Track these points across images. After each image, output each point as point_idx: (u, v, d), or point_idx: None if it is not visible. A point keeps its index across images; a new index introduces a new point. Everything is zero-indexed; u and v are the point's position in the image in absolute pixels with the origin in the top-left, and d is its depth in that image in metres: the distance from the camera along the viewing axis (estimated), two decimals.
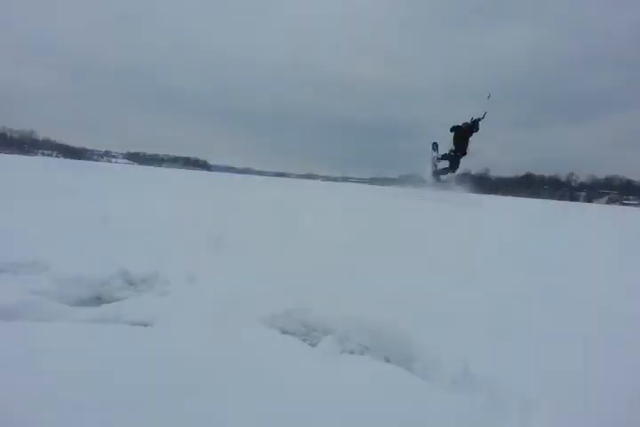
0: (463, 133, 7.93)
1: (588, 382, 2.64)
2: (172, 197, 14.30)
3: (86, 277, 3.94)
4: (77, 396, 1.91)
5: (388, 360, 2.86)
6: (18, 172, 22.32)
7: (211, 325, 3.07)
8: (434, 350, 2.85)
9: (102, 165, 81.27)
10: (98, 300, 3.73)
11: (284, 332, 3.14)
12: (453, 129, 7.93)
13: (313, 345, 2.99)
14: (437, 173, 8.46)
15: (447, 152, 8.21)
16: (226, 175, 78.60)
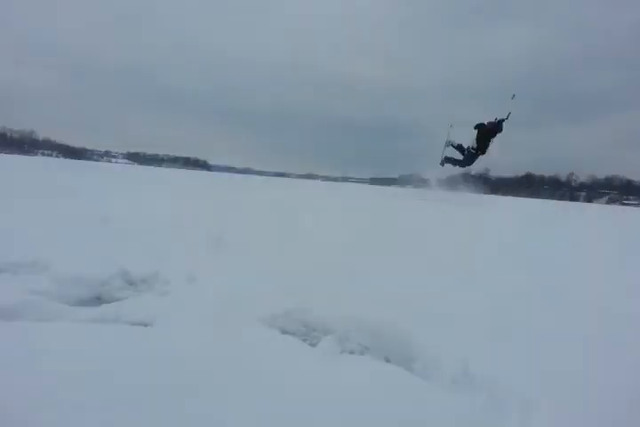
0: (487, 133, 7.84)
1: (588, 382, 2.65)
2: (171, 198, 14.30)
3: (86, 277, 3.94)
4: (77, 396, 1.91)
5: (388, 360, 2.86)
6: (18, 172, 22.33)
7: (211, 325, 3.07)
8: (434, 350, 2.85)
9: (102, 165, 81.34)
10: (98, 300, 3.73)
11: (283, 332, 3.14)
12: (478, 127, 7.86)
13: (313, 345, 3.00)
14: (448, 160, 8.32)
15: (467, 147, 8.11)
16: (226, 175, 78.65)
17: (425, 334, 3.08)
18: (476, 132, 8.11)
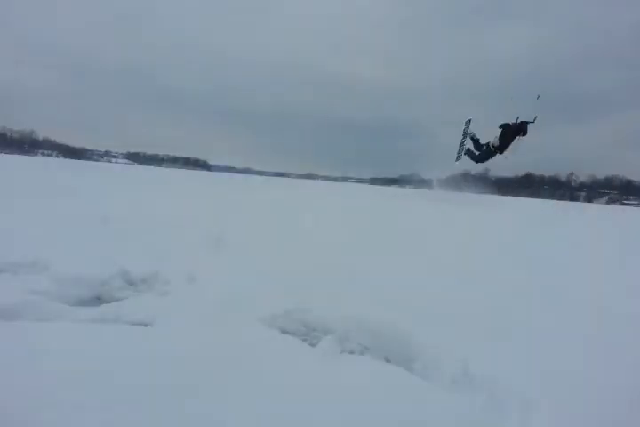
0: (510, 133, 7.72)
1: (588, 382, 2.65)
2: (171, 198, 14.31)
3: (86, 277, 3.94)
4: (77, 396, 1.91)
5: (388, 360, 2.86)
6: (18, 172, 22.33)
7: (211, 325, 3.07)
8: (434, 350, 2.85)
9: (102, 165, 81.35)
10: (98, 300, 3.73)
11: (284, 332, 3.14)
12: (502, 126, 7.78)
13: (313, 345, 3.00)
14: (468, 153, 8.15)
15: (487, 142, 8.01)
16: (226, 175, 78.68)
17: (425, 334, 3.08)
18: (500, 130, 8.15)
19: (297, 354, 2.70)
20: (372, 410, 2.07)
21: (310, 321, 3.36)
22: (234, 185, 32.39)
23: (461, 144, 8.31)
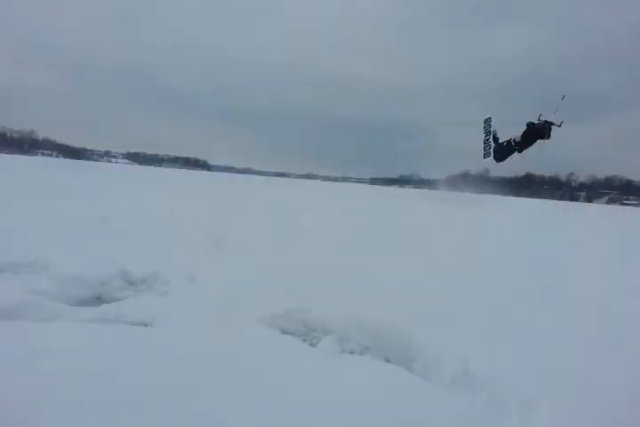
0: (532, 133, 7.48)
1: (588, 382, 2.64)
2: (171, 198, 14.30)
3: (86, 277, 3.94)
4: (77, 396, 1.91)
5: (388, 360, 2.86)
6: (18, 172, 22.33)
7: (211, 325, 3.07)
8: (434, 350, 2.85)
9: (102, 165, 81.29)
10: (98, 300, 3.73)
11: (284, 332, 3.14)
12: (528, 124, 7.63)
13: (313, 345, 3.00)
14: (491, 148, 7.96)
15: (507, 140, 7.80)
16: (226, 175, 78.66)
17: (425, 334, 3.08)
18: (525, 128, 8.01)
19: (297, 354, 2.70)
20: (372, 410, 2.07)
21: (310, 321, 3.36)
22: (234, 185, 32.39)
23: (486, 141, 8.15)
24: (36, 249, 4.61)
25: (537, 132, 7.68)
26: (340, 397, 2.16)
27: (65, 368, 2.15)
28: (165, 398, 1.97)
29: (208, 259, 5.15)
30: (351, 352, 2.96)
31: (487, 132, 7.92)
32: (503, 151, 8.19)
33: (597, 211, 39.79)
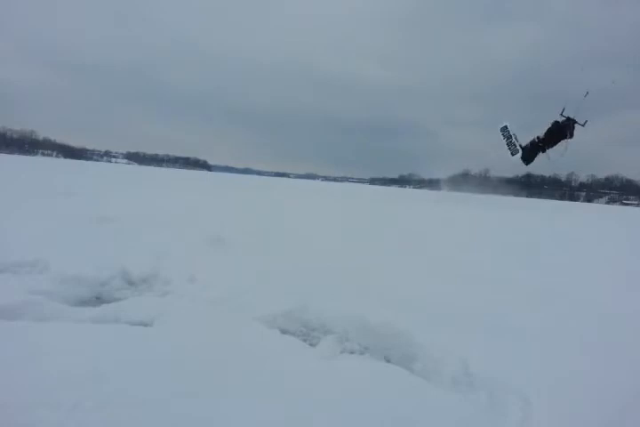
0: (556, 130, 7.01)
1: (588, 382, 2.64)
2: (171, 198, 14.30)
3: (86, 277, 3.94)
4: (77, 396, 1.91)
5: (388, 360, 2.86)
6: (18, 172, 22.33)
7: (211, 325, 3.07)
8: (434, 350, 2.85)
9: (102, 165, 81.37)
10: (98, 300, 3.73)
11: (284, 332, 3.14)
12: (553, 122, 7.24)
13: (313, 345, 3.00)
14: (516, 145, 7.61)
15: (532, 139, 7.38)
16: (226, 175, 78.69)
17: (425, 334, 3.08)
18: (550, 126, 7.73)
19: (297, 354, 2.70)
20: (373, 410, 2.07)
21: (310, 321, 3.36)
22: (234, 185, 32.39)
23: (510, 143, 7.88)
24: (35, 249, 4.62)
25: (560, 129, 7.38)
26: (340, 397, 2.16)
27: (65, 368, 2.15)
28: (165, 398, 1.97)
29: (208, 259, 5.16)
30: (351, 352, 2.96)
31: (508, 137, 7.66)
32: (529, 153, 7.86)
33: (597, 211, 39.78)
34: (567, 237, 12.06)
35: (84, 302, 3.58)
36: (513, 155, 8.01)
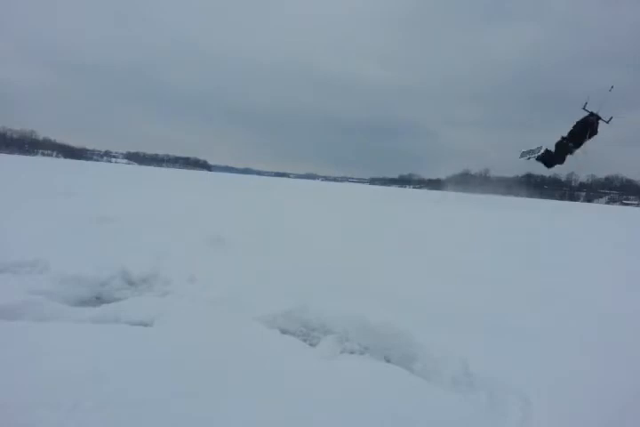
0: (580, 125, 6.40)
1: (588, 382, 2.64)
2: (171, 198, 14.30)
3: (86, 277, 3.94)
4: (77, 396, 1.91)
5: (388, 360, 2.86)
6: (18, 172, 22.33)
7: (211, 325, 3.07)
8: (434, 350, 2.85)
9: (102, 165, 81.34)
10: (98, 300, 3.73)
11: (284, 332, 3.14)
12: (578, 121, 6.75)
13: (313, 345, 3.00)
14: (538, 158, 7.12)
15: (559, 140, 6.87)
16: (226, 175, 78.68)
17: (425, 334, 3.08)
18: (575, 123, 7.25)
19: (297, 354, 2.70)
20: (373, 410, 2.07)
21: (310, 321, 3.36)
22: (234, 185, 32.39)
23: (537, 158, 7.53)
24: (35, 249, 4.62)
25: (584, 126, 7.00)
26: (340, 397, 2.16)
27: (65, 368, 2.15)
28: (165, 398, 1.97)
29: (208, 259, 5.16)
30: (351, 352, 2.96)
31: (537, 157, 7.28)
32: (556, 156, 7.42)
33: (597, 211, 39.78)
34: (567, 238, 12.06)
35: (84, 302, 3.58)
36: (549, 167, 7.67)
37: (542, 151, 7.08)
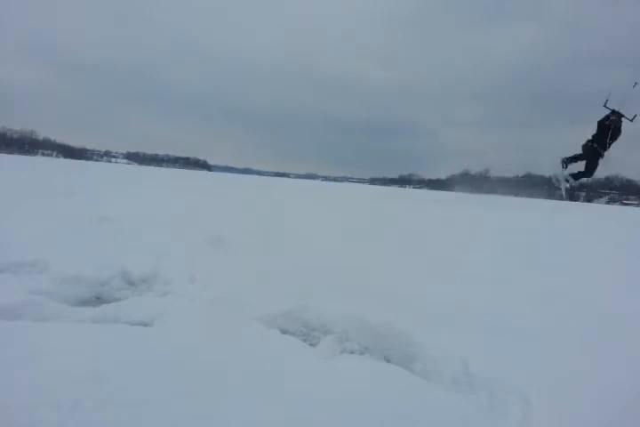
0: (602, 125, 5.98)
1: (588, 382, 2.64)
2: (171, 198, 14.30)
3: (86, 277, 3.94)
4: (77, 396, 1.91)
5: (388, 360, 2.86)
6: (18, 172, 22.32)
7: (211, 325, 3.07)
8: (434, 350, 2.85)
9: (102, 165, 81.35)
10: (98, 300, 3.73)
11: (284, 332, 3.14)
12: (600, 121, 6.24)
13: (313, 345, 3.00)
14: (568, 179, 6.78)
15: (584, 143, 6.42)
16: (226, 175, 78.68)
17: (425, 334, 3.08)
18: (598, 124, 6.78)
19: (297, 354, 2.70)
20: (373, 410, 2.07)
21: (310, 321, 3.36)
22: (234, 185, 32.39)
23: (565, 181, 7.27)
24: (35, 249, 4.62)
25: (607, 126, 6.56)
26: (340, 397, 2.16)
27: (65, 368, 2.15)
28: (165, 398, 1.97)
29: (208, 259, 5.16)
30: (351, 352, 2.96)
31: (561, 174, 7.01)
32: (589, 160, 6.99)
33: (597, 211, 39.78)
34: (567, 237, 12.06)
35: (84, 302, 3.58)
36: (589, 177, 7.34)
37: (571, 175, 6.72)
